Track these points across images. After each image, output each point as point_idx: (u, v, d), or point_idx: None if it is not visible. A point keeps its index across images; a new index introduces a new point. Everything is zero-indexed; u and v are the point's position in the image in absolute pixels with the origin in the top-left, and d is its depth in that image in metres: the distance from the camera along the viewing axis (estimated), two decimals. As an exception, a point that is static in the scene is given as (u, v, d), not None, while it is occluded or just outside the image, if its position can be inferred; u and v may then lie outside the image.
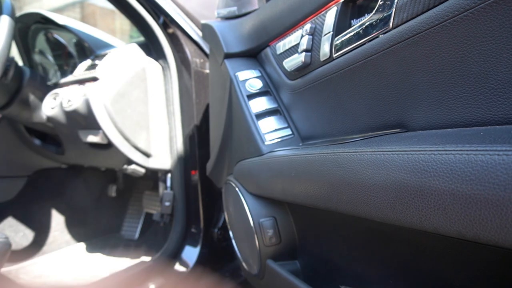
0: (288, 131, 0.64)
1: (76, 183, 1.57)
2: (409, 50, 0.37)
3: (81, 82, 1.16)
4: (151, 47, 1.17)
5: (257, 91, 0.68)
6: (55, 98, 1.22)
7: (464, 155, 0.26)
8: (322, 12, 0.52)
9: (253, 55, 0.74)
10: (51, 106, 1.22)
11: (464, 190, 0.26)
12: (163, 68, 1.17)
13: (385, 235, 0.44)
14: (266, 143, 0.63)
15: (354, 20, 0.48)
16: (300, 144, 0.61)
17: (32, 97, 1.27)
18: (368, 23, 0.42)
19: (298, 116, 0.63)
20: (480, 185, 0.25)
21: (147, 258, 1.18)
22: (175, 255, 1.14)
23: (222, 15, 0.82)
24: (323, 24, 0.51)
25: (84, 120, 1.14)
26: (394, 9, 0.38)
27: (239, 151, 0.72)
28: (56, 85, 1.30)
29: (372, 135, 0.44)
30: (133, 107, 1.12)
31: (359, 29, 0.44)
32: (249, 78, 0.70)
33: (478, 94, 0.32)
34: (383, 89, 0.42)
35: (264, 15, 0.68)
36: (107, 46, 1.31)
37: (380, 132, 0.44)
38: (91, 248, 1.46)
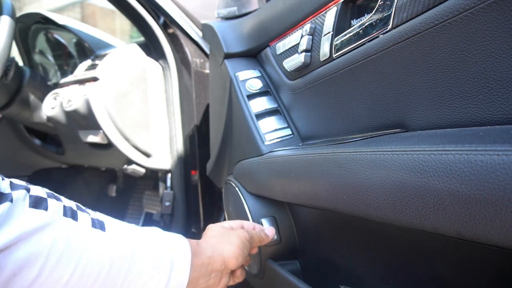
0: (288, 131, 0.64)
1: (76, 183, 1.57)
2: (409, 50, 0.37)
3: (81, 82, 1.16)
4: (151, 47, 1.17)
5: (257, 91, 0.68)
6: (55, 98, 1.22)
7: (464, 155, 0.26)
8: (322, 12, 0.52)
9: (253, 55, 0.74)
10: (51, 106, 1.22)
11: (463, 190, 0.26)
12: (163, 68, 1.17)
13: (385, 235, 0.44)
14: (266, 143, 0.63)
15: (354, 20, 0.48)
16: (300, 144, 0.61)
17: (32, 97, 1.27)
18: (368, 23, 0.42)
19: (298, 116, 0.63)
20: (479, 185, 0.25)
21: (147, 258, 1.18)
22: (175, 255, 1.14)
23: (222, 15, 0.82)
24: (323, 24, 0.51)
25: (84, 120, 1.14)
26: (394, 9, 0.38)
27: (239, 151, 0.72)
28: (56, 85, 1.30)
29: (372, 135, 0.44)
30: (133, 107, 1.12)
31: (359, 29, 0.44)
32: (249, 78, 0.70)
33: (478, 94, 0.32)
34: (383, 89, 0.42)
35: (264, 15, 0.68)
36: (107, 46, 1.31)
37: (380, 132, 0.44)
38: (91, 248, 1.46)
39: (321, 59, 0.51)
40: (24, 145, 1.44)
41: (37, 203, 0.34)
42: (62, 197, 0.38)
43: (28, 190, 0.34)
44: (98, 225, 0.38)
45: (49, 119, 1.25)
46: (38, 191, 0.36)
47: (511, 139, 0.25)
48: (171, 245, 0.44)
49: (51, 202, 0.35)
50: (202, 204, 1.12)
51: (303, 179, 0.48)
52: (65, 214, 0.35)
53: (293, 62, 0.57)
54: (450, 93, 0.35)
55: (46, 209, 0.34)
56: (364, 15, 0.46)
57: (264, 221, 0.63)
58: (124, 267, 0.38)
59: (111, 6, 1.10)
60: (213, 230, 0.54)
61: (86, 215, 0.38)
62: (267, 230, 0.59)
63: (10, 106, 1.25)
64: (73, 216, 0.36)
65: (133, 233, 0.41)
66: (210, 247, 0.48)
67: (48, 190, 0.37)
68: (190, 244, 0.46)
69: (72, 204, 0.38)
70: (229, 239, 0.50)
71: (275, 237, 0.62)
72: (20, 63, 1.33)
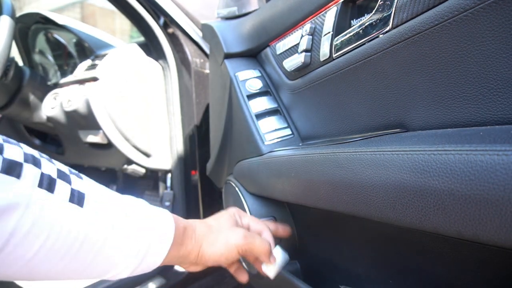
0: (288, 131, 0.64)
1: (76, 183, 1.57)
2: (409, 50, 0.37)
3: (81, 82, 1.16)
4: (151, 47, 1.17)
5: (257, 91, 0.68)
6: (55, 98, 1.22)
7: (464, 155, 0.26)
8: (322, 12, 0.52)
9: (253, 55, 0.74)
10: (51, 106, 1.22)
11: (463, 190, 0.26)
12: (163, 68, 1.17)
13: (385, 235, 0.44)
14: (266, 143, 0.63)
15: (354, 20, 0.48)
16: (300, 144, 0.61)
17: (32, 97, 1.27)
18: (368, 23, 0.42)
19: (298, 116, 0.63)
20: (479, 185, 0.25)
21: (147, 258, 1.18)
22: (175, 255, 1.14)
23: (222, 15, 0.82)
24: (323, 24, 0.51)
25: (84, 120, 1.14)
26: (394, 9, 0.38)
27: (239, 151, 0.72)
28: (56, 85, 1.30)
29: (372, 135, 0.44)
30: (133, 107, 1.12)
31: (359, 29, 0.44)
32: (249, 78, 0.70)
33: (478, 94, 0.32)
34: (383, 89, 0.42)
35: (264, 15, 0.68)
36: (107, 46, 1.31)
37: (380, 132, 0.44)
38: (91, 248, 1.46)
39: (321, 59, 0.51)
40: (24, 145, 1.44)
41: (10, 168, 0.29)
42: (43, 161, 0.33)
43: (1, 150, 0.30)
44: (76, 199, 0.34)
45: (49, 119, 1.25)
46: (14, 152, 0.31)
47: (511, 139, 0.25)
48: (153, 226, 0.41)
49: (26, 168, 0.31)
50: (202, 204, 1.12)
51: (303, 179, 0.48)
52: (40, 184, 0.31)
53: (293, 62, 0.57)
54: (450, 93, 0.35)
55: (18, 176, 0.30)
56: (364, 15, 0.46)
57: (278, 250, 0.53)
58: (95, 247, 0.35)
59: (111, 6, 1.10)
60: (217, 219, 0.51)
61: (66, 186, 0.34)
62: (276, 251, 0.52)
63: (10, 106, 1.25)
64: (50, 186, 0.32)
65: (114, 210, 0.38)
66: (196, 239, 0.46)
67: (27, 151, 0.33)
68: (176, 229, 0.43)
69: (53, 170, 0.34)
70: (221, 239, 0.48)
71: (280, 261, 0.52)
72: (20, 63, 1.33)
